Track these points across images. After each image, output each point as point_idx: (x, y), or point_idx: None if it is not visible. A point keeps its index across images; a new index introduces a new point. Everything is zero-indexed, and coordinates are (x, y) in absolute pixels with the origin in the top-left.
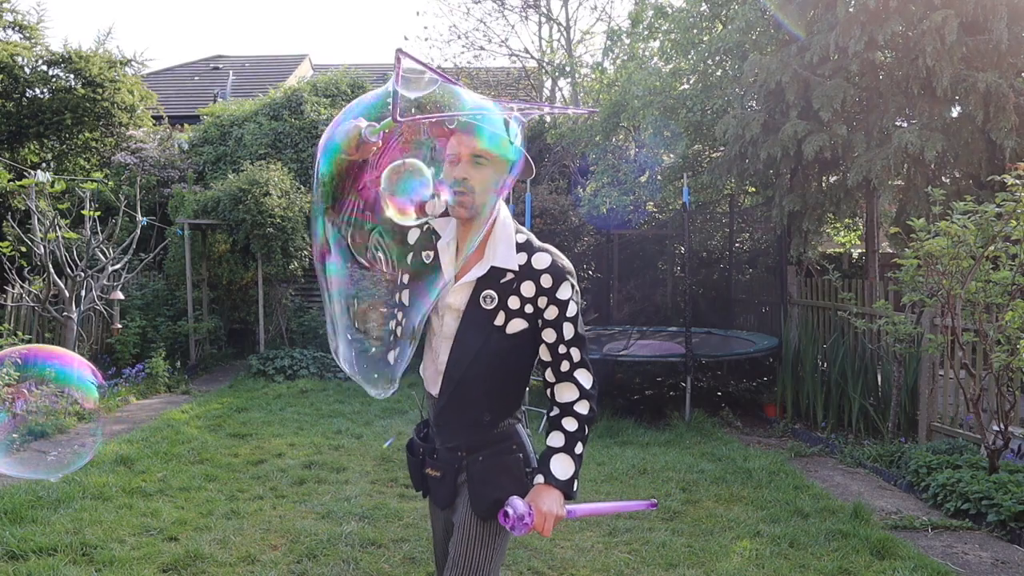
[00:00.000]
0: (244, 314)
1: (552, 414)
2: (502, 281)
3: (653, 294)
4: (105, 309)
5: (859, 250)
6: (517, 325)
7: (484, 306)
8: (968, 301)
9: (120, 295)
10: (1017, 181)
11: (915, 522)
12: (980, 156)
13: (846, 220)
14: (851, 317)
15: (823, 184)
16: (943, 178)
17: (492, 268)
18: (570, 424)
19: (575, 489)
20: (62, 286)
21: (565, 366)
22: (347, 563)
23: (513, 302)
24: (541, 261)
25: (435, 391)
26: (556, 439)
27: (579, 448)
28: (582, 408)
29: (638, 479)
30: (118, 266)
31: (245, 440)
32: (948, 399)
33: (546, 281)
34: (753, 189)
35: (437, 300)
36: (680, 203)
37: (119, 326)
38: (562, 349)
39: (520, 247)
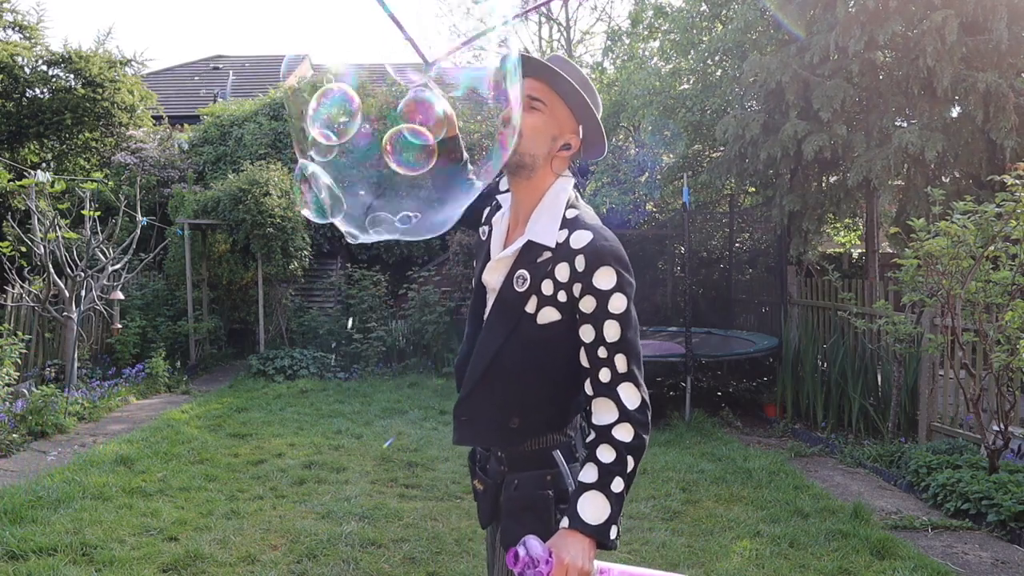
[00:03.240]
0: (244, 314)
1: (588, 439)
2: (539, 260)
3: (653, 294)
4: (105, 309)
5: (859, 250)
6: (549, 315)
7: (516, 288)
8: (968, 301)
9: (120, 295)
10: (1017, 181)
11: (915, 522)
12: (980, 156)
13: (846, 220)
14: (851, 317)
15: (823, 184)
16: (943, 178)
17: (529, 242)
18: (606, 454)
19: (613, 537)
20: (62, 286)
21: (605, 376)
22: (347, 563)
23: (546, 287)
24: (579, 239)
25: None
26: (588, 473)
27: (617, 485)
28: (623, 434)
29: (638, 479)
30: (118, 266)
31: (245, 440)
32: (948, 399)
33: (580, 263)
34: (753, 189)
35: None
36: (680, 203)
37: (119, 326)
38: (602, 353)
39: (566, 222)
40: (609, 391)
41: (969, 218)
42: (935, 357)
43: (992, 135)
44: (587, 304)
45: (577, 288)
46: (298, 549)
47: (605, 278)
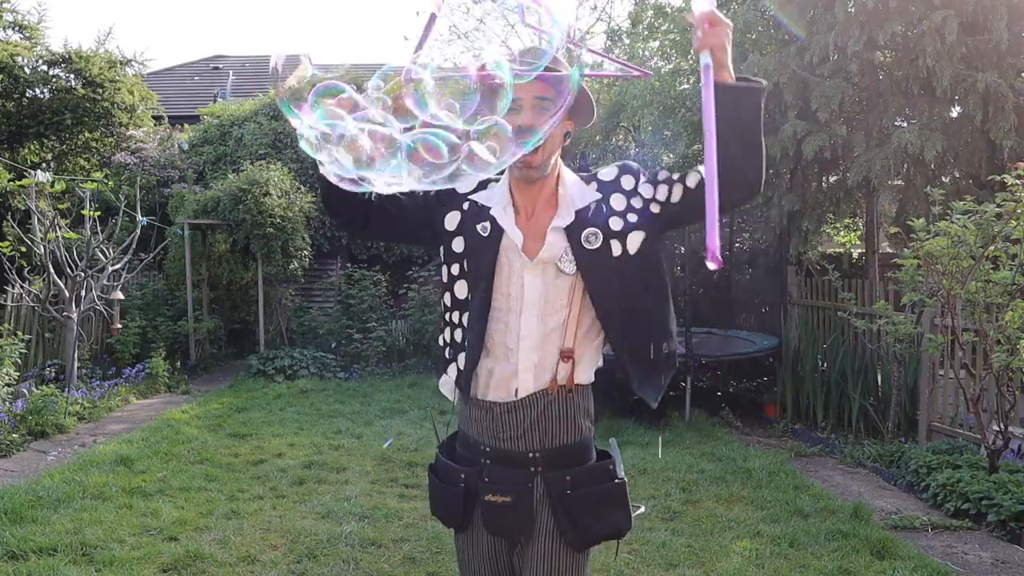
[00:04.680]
0: (244, 314)
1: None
2: (590, 215)
3: None
4: (105, 309)
5: (859, 250)
6: (636, 239)
7: (590, 247)
8: (968, 301)
9: (120, 295)
10: (1017, 181)
11: (915, 522)
12: (980, 156)
13: (846, 220)
14: (851, 317)
15: (823, 184)
16: (943, 178)
17: (577, 212)
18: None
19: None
20: (62, 286)
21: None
22: (347, 563)
23: (615, 223)
24: (608, 173)
25: (516, 385)
26: None
27: None
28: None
29: (638, 479)
30: (118, 266)
31: (245, 440)
32: (948, 399)
33: (627, 183)
34: None
35: (495, 272)
36: None
37: (119, 326)
38: (677, 175)
39: (586, 180)
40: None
41: (969, 218)
42: (935, 357)
43: (992, 135)
44: (653, 191)
45: (638, 200)
46: (298, 549)
47: (646, 171)
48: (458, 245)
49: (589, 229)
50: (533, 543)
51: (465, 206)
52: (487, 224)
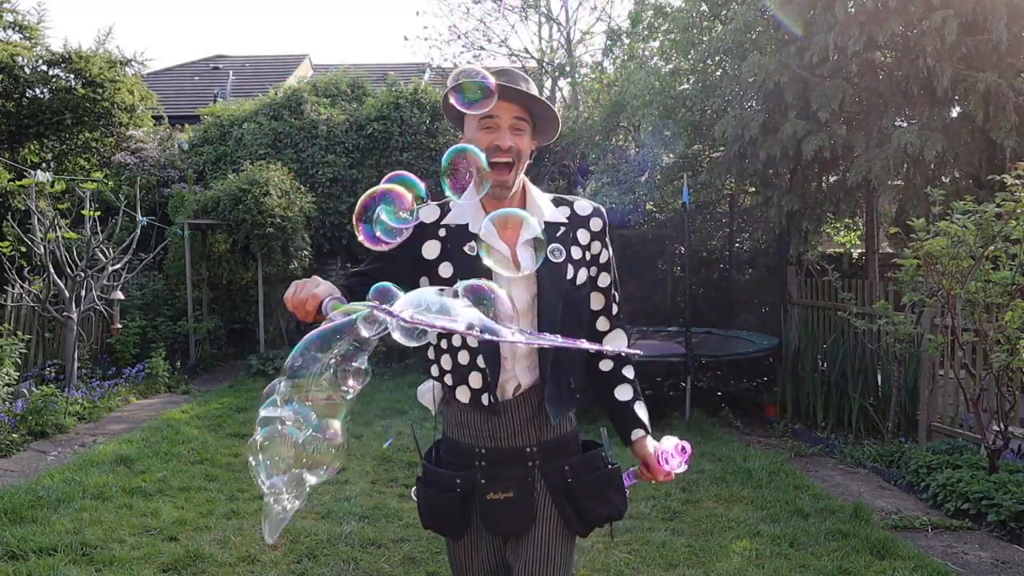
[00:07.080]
0: (244, 314)
1: (608, 370)
2: (558, 235)
3: (653, 294)
4: (105, 309)
5: (859, 250)
6: (582, 275)
7: (554, 260)
8: (968, 301)
9: (120, 295)
10: (1017, 181)
11: (915, 522)
12: (980, 156)
13: (846, 220)
14: (851, 317)
15: (823, 184)
16: (943, 178)
17: (546, 223)
18: (630, 371)
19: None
20: (62, 286)
21: (615, 310)
22: (347, 563)
23: (576, 252)
24: (584, 207)
25: (515, 386)
26: (626, 391)
27: (639, 391)
28: (631, 353)
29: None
30: (118, 266)
31: (245, 440)
32: (948, 399)
33: (596, 225)
34: (753, 189)
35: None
36: (680, 203)
37: (119, 326)
38: (614, 295)
39: (556, 201)
40: (620, 322)
41: (969, 218)
42: (935, 357)
43: (992, 135)
44: (604, 256)
45: (596, 245)
46: (298, 549)
47: (608, 235)
48: (446, 271)
49: (555, 245)
50: (528, 533)
51: (442, 232)
52: (474, 244)
